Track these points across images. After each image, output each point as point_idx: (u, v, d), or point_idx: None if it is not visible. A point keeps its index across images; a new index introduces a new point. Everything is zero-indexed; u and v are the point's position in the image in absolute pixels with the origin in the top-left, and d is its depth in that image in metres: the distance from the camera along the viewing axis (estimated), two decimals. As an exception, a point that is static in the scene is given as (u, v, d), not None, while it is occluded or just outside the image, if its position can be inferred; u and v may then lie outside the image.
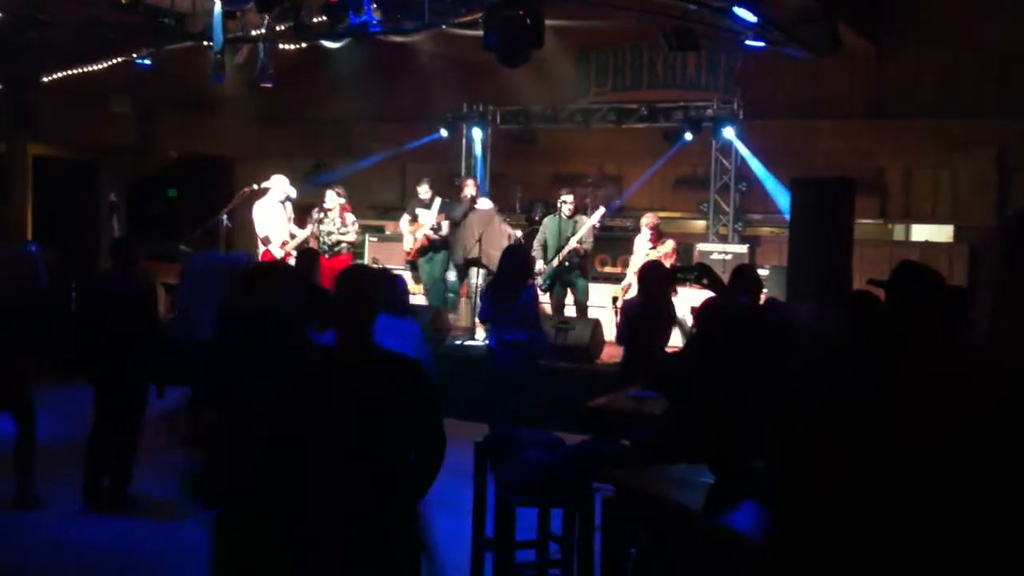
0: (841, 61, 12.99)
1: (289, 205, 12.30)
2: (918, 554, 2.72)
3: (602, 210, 12.01)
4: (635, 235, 13.69)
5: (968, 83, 13.85)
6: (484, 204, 12.52)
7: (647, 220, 11.87)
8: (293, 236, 12.15)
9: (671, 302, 8.34)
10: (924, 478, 2.75)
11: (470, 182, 12.80)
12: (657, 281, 7.99)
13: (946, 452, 2.76)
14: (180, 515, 7.29)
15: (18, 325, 7.33)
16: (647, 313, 7.80)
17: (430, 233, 12.72)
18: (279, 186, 12.21)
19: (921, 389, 2.82)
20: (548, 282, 11.75)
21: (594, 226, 11.76)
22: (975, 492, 2.73)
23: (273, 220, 12.12)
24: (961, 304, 5.98)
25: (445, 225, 12.75)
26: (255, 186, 12.83)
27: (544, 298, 11.62)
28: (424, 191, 12.84)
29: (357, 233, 12.81)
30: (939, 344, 3.15)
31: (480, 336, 11.37)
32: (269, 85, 10.93)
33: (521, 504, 5.50)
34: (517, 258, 8.57)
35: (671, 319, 8.18)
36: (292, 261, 12.12)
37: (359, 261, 13.21)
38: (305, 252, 9.48)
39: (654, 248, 11.61)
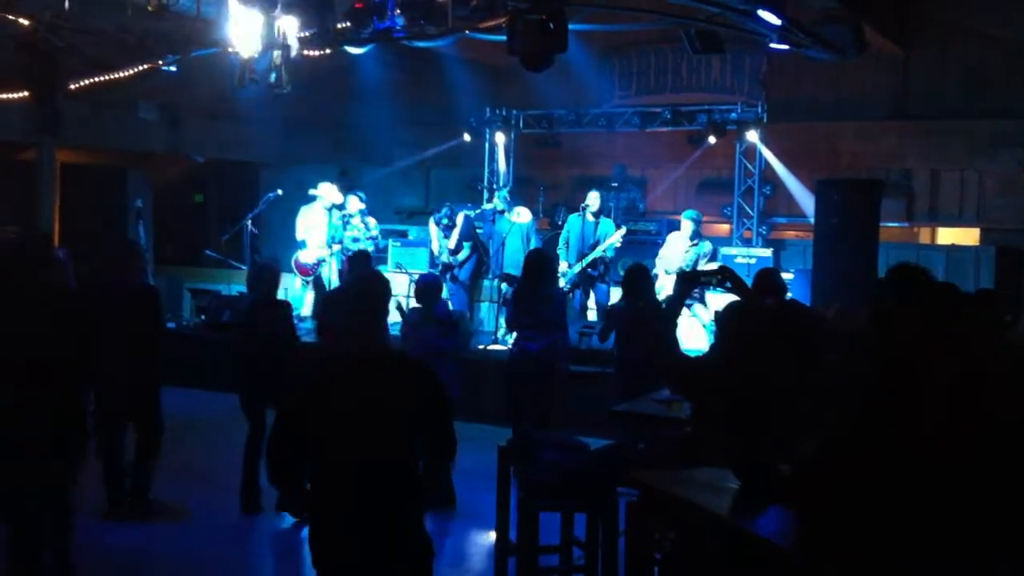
0: (866, 62, 12.94)
1: (336, 213, 12.44)
2: (959, 549, 2.71)
3: (623, 230, 11.92)
4: (658, 237, 13.65)
5: (995, 83, 13.75)
6: (522, 216, 12.47)
7: (693, 215, 11.55)
8: (334, 241, 12.30)
9: (658, 303, 8.16)
10: (964, 475, 2.73)
11: (495, 197, 12.82)
12: (642, 282, 7.93)
13: (984, 449, 2.74)
14: (203, 518, 7.38)
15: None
16: (634, 317, 7.75)
17: (446, 258, 12.75)
18: (327, 194, 12.41)
19: (960, 388, 2.80)
20: (569, 285, 11.75)
21: (616, 242, 11.68)
22: (1011, 485, 2.71)
23: (315, 226, 12.30)
24: (991, 306, 5.94)
25: (468, 246, 12.77)
26: (279, 191, 12.93)
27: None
28: (444, 220, 12.87)
29: (378, 236, 12.88)
30: (976, 344, 3.13)
31: (509, 341, 11.39)
32: (284, 91, 10.95)
33: (544, 508, 5.49)
34: (542, 262, 8.55)
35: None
36: (323, 267, 12.32)
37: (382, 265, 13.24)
38: (357, 254, 9.48)
39: (694, 246, 11.39)
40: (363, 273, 4.57)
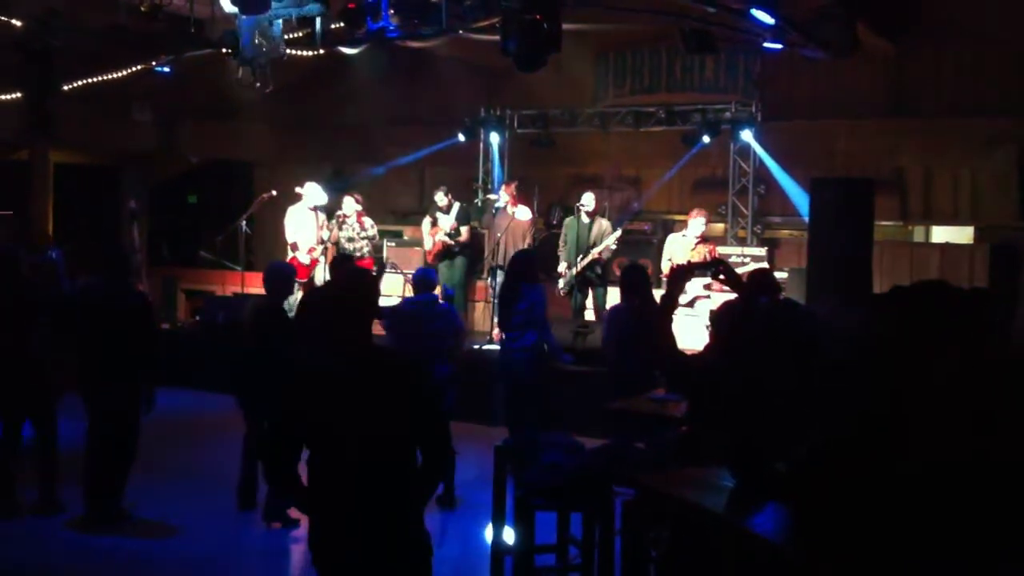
0: (860, 61, 12.95)
1: (322, 213, 12.42)
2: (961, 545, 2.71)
3: (619, 232, 11.89)
4: (653, 237, 13.65)
5: (989, 81, 13.75)
6: (521, 214, 12.43)
7: (701, 217, 11.48)
8: (322, 242, 12.28)
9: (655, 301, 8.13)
10: (964, 475, 2.73)
11: (502, 190, 12.78)
12: (639, 281, 7.91)
13: (983, 448, 2.74)
14: (197, 519, 7.37)
15: (39, 331, 7.37)
16: (635, 320, 7.73)
17: (446, 239, 12.77)
18: (312, 193, 12.37)
19: (959, 387, 2.81)
20: (568, 287, 11.77)
21: (611, 244, 11.66)
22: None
23: (303, 227, 12.26)
24: (984, 305, 5.93)
25: (464, 230, 12.79)
26: (273, 192, 12.91)
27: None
28: (440, 198, 12.90)
29: (376, 236, 12.88)
30: (974, 342, 3.14)
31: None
32: (268, 90, 10.95)
33: (541, 508, 5.49)
34: (523, 262, 8.56)
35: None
36: (318, 267, 12.31)
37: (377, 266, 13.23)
38: (340, 258, 9.50)
39: (701, 244, 11.36)
40: (348, 272, 4.57)
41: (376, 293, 4.16)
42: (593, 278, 11.81)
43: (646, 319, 7.41)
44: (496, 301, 8.83)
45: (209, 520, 7.41)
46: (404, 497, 3.83)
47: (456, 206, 12.92)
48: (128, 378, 7.09)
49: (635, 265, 8.29)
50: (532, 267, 8.71)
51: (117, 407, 7.08)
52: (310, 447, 3.83)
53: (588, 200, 11.74)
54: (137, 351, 7.07)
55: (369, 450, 3.75)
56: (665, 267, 11.24)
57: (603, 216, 12.43)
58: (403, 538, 3.83)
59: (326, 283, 8.26)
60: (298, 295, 12.56)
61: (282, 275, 7.69)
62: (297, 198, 12.44)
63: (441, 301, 8.39)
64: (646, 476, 4.24)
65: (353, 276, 4.29)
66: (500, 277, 12.12)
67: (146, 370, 7.20)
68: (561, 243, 11.95)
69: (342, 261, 8.98)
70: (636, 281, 7.93)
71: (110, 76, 13.00)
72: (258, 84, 10.49)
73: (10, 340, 7.21)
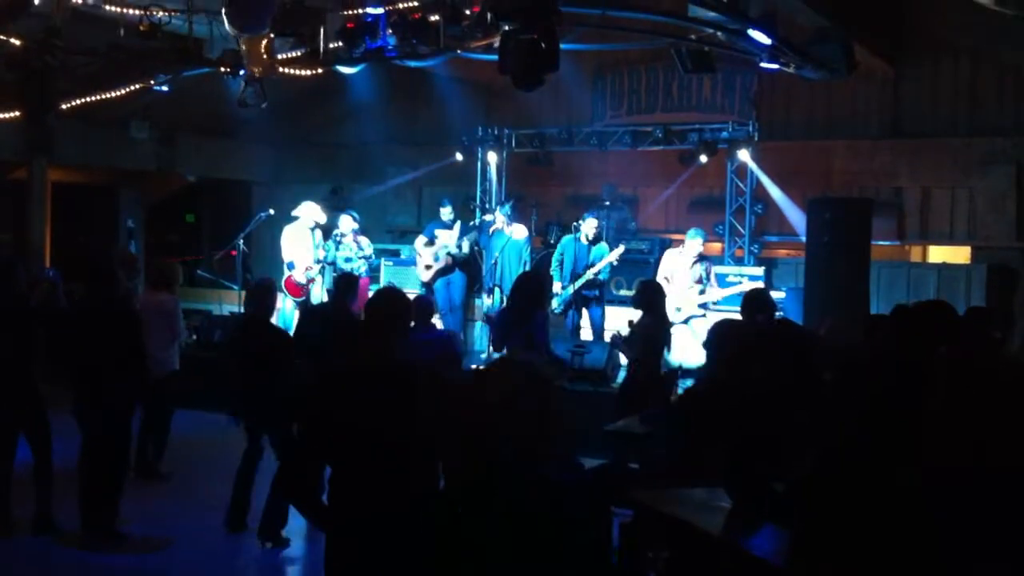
0: (857, 81, 12.99)
1: (319, 232, 12.43)
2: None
3: (621, 248, 11.87)
4: (650, 256, 13.64)
5: (986, 102, 13.81)
6: (517, 232, 12.44)
7: (698, 237, 11.55)
8: (319, 261, 12.28)
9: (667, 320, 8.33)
10: (963, 495, 2.72)
11: (497, 211, 12.78)
12: (657, 298, 7.99)
13: (982, 468, 2.73)
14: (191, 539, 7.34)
15: (36, 350, 7.35)
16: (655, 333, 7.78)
17: (455, 251, 12.73)
18: (308, 213, 12.38)
19: (959, 405, 2.80)
20: (563, 306, 11.72)
21: (613, 260, 11.66)
22: None
23: (300, 246, 12.27)
24: (983, 323, 5.95)
25: (465, 245, 12.77)
26: (271, 211, 12.91)
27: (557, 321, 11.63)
28: (447, 213, 12.93)
29: (372, 256, 12.88)
30: (973, 360, 3.13)
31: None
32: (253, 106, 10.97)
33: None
34: (531, 285, 8.54)
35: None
36: (313, 286, 12.31)
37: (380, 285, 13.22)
38: (343, 277, 9.51)
39: (698, 264, 11.42)
40: (387, 289, 4.58)
41: (408, 310, 4.17)
42: (592, 298, 11.78)
43: (658, 335, 7.51)
44: (495, 321, 8.78)
45: (204, 538, 7.37)
46: (425, 511, 3.81)
47: (458, 224, 12.95)
48: (118, 391, 7.06)
49: (650, 282, 8.35)
50: (543, 293, 8.74)
51: (108, 421, 7.05)
52: (332, 461, 3.81)
53: (589, 227, 11.67)
54: (125, 363, 7.04)
55: (391, 462, 3.72)
56: (663, 284, 11.25)
57: (602, 239, 12.38)
58: (417, 542, 3.80)
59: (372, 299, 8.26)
60: (295, 312, 12.61)
61: (257, 289, 7.73)
62: (294, 218, 12.47)
63: (439, 328, 8.39)
64: (643, 496, 4.23)
65: (386, 292, 4.30)
66: (498, 296, 12.13)
67: (133, 380, 7.17)
68: (556, 263, 11.91)
69: (346, 280, 8.99)
70: (651, 298, 8.03)
71: (108, 95, 13.01)
72: (263, 105, 10.53)
73: (6, 354, 7.18)
